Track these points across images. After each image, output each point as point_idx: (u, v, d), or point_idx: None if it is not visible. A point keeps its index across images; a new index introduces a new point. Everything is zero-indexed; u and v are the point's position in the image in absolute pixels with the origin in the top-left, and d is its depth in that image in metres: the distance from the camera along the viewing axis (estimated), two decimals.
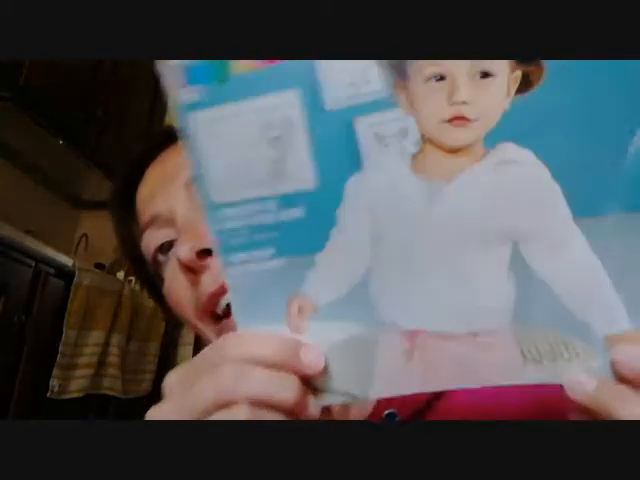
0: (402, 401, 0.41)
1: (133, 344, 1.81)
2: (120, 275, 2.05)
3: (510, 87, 0.23)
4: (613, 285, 0.24)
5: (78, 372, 1.53)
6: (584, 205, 0.24)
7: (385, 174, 0.25)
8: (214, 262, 0.40)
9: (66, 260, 1.56)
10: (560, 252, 0.25)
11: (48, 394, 1.43)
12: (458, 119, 0.24)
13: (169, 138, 0.51)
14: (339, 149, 0.26)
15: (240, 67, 0.26)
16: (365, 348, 0.27)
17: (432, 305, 0.26)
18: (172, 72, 0.26)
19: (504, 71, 0.23)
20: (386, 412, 0.41)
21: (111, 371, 1.66)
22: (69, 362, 1.50)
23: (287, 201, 0.27)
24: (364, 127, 0.25)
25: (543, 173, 0.24)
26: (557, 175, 0.24)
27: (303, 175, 0.26)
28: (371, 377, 0.27)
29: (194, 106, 0.26)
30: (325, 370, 0.27)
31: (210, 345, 0.29)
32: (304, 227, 0.27)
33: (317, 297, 0.27)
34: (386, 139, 0.25)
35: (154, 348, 1.96)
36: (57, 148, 1.95)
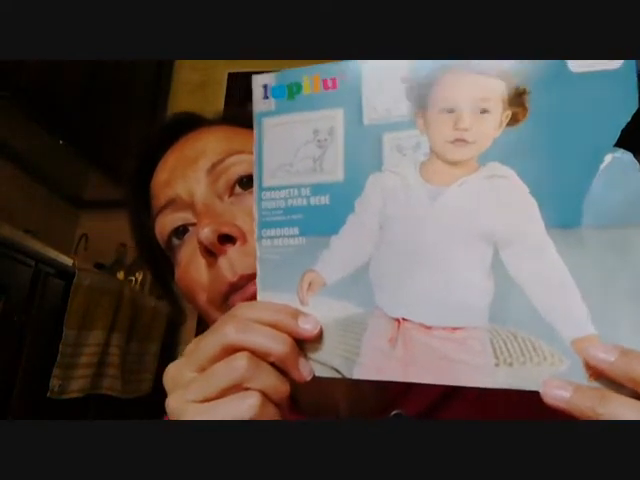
0: (406, 403, 0.41)
1: (133, 344, 1.81)
2: (120, 275, 2.04)
3: (502, 122, 0.30)
4: (580, 293, 0.27)
5: (78, 372, 1.53)
6: (556, 217, 0.28)
7: (399, 175, 0.31)
8: (232, 250, 0.41)
9: (66, 260, 1.56)
10: (533, 258, 0.28)
11: (48, 394, 1.43)
12: (459, 141, 0.30)
13: (186, 125, 0.51)
14: (367, 154, 0.32)
15: (306, 89, 0.34)
16: (357, 329, 0.32)
17: (418, 296, 0.30)
18: (257, 87, 0.34)
19: (498, 110, 0.29)
20: (393, 413, 0.41)
21: (111, 371, 1.66)
22: (69, 362, 1.49)
23: (318, 189, 0.33)
24: (389, 139, 0.32)
25: (523, 188, 0.29)
26: (534, 191, 0.29)
27: (335, 170, 0.33)
28: (357, 358, 0.31)
29: (267, 114, 0.34)
30: (319, 341, 0.32)
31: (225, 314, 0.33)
32: (328, 212, 0.33)
33: (326, 274, 0.33)
34: (404, 150, 0.31)
35: (154, 348, 1.96)
36: (57, 148, 1.95)
